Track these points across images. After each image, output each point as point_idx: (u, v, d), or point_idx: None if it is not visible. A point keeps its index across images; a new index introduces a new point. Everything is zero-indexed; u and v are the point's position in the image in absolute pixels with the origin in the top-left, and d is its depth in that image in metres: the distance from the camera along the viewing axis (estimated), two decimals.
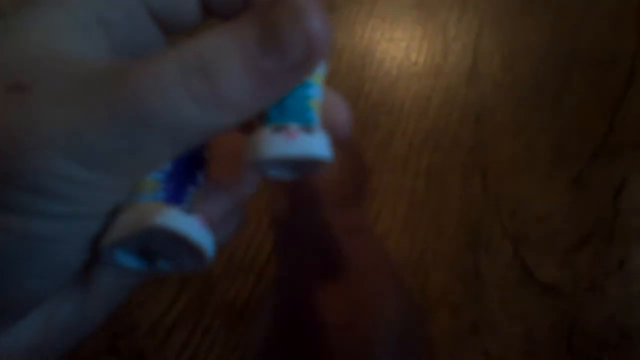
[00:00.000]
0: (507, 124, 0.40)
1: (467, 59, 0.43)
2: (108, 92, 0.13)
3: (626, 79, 0.41)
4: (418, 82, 0.42)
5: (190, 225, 0.14)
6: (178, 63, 0.14)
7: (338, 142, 0.17)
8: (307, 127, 0.15)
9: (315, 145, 0.15)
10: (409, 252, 0.36)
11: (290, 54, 0.14)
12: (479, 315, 0.34)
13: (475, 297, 0.35)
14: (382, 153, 0.40)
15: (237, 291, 0.36)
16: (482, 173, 0.38)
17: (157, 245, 0.15)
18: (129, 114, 0.13)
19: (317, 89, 0.17)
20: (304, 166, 0.16)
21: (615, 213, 0.36)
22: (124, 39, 0.17)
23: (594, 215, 0.36)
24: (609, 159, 0.38)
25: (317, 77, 0.17)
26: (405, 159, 0.40)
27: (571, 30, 0.43)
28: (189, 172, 0.17)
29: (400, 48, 0.44)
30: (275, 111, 0.16)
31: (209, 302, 0.35)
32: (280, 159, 0.15)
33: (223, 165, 0.19)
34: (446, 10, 0.45)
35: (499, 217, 0.37)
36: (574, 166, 0.38)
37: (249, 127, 0.16)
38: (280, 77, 0.14)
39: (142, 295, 0.35)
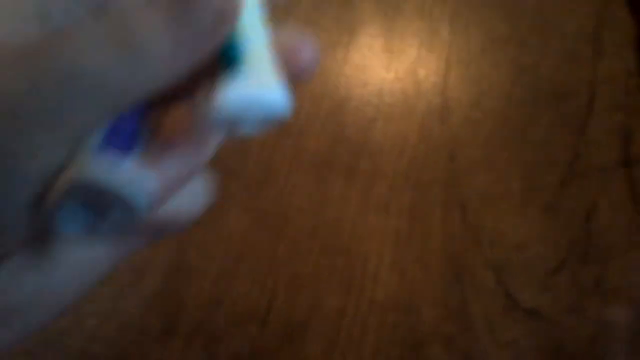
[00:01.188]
0: (479, 159, 0.42)
1: (437, 98, 0.46)
2: (35, 54, 0.14)
3: (587, 105, 0.43)
4: (394, 124, 0.45)
5: (119, 175, 0.14)
6: (99, 21, 0.15)
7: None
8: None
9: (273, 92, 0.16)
10: (399, 291, 0.38)
11: (201, 21, 0.15)
12: (470, 346, 0.36)
13: (466, 328, 0.37)
14: (364, 196, 0.42)
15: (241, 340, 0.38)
16: (461, 207, 0.41)
17: (101, 202, 0.15)
18: (55, 72, 0.14)
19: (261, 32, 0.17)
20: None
21: (588, 235, 0.39)
22: (51, 8, 0.17)
23: (568, 239, 0.39)
24: (577, 185, 0.40)
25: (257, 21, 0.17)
26: (387, 200, 0.42)
27: (532, 65, 0.46)
28: (128, 133, 0.17)
29: (374, 92, 0.47)
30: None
31: (217, 354, 0.37)
32: (240, 106, 0.15)
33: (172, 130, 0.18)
34: (414, 53, 0.48)
35: (479, 248, 0.39)
36: (544, 194, 0.40)
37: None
38: (194, 42, 0.15)
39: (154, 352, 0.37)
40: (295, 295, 0.39)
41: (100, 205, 0.15)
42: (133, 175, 0.15)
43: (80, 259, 0.17)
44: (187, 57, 0.15)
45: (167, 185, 0.17)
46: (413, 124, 0.45)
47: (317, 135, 0.45)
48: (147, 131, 0.17)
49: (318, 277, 0.40)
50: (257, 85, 0.16)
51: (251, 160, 0.45)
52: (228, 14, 0.16)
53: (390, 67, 0.48)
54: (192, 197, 0.19)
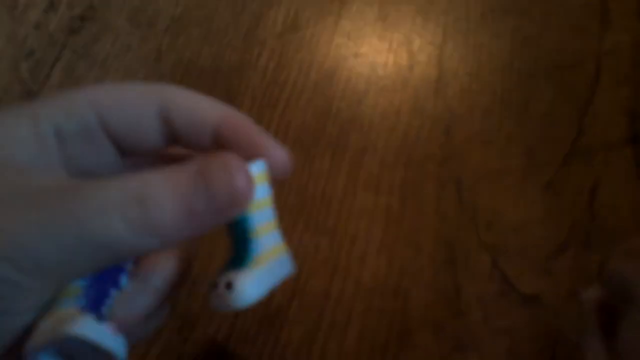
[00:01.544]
0: (477, 133, 0.40)
1: (433, 70, 0.43)
2: (52, 210, 0.15)
3: (592, 79, 0.41)
4: (386, 97, 0.42)
5: (100, 332, 0.16)
6: (120, 191, 0.16)
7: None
8: (230, 283, 0.19)
9: (233, 299, 0.19)
10: (387, 274, 0.36)
11: (217, 199, 0.17)
12: (462, 333, 0.34)
13: (457, 313, 0.34)
14: (354, 172, 0.39)
15: (218, 323, 0.35)
16: (456, 185, 0.38)
17: (75, 350, 0.16)
18: (69, 232, 0.15)
19: (255, 217, 0.20)
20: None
21: (591, 216, 0.36)
22: (78, 152, 0.19)
23: (570, 221, 0.36)
24: (580, 162, 0.38)
25: (264, 201, 0.20)
26: (378, 176, 0.39)
27: (534, 35, 0.43)
28: (112, 277, 0.19)
29: (366, 63, 0.44)
30: (230, 257, 0.20)
31: (190, 338, 0.35)
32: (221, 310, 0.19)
33: (160, 264, 0.21)
34: (409, 21, 0.45)
35: (475, 229, 0.36)
36: (546, 172, 0.38)
37: None
38: (206, 216, 0.17)
39: None
40: None
41: (84, 354, 0.17)
42: (114, 332, 0.17)
43: None
44: (195, 230, 0.17)
45: (133, 320, 0.20)
46: (406, 96, 0.42)
47: (304, 108, 0.42)
48: (130, 265, 0.20)
49: (301, 257, 0.37)
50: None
51: None
52: (243, 196, 0.18)
53: (383, 37, 0.45)
54: (153, 322, 0.22)
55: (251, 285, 0.19)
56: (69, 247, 0.15)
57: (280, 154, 0.21)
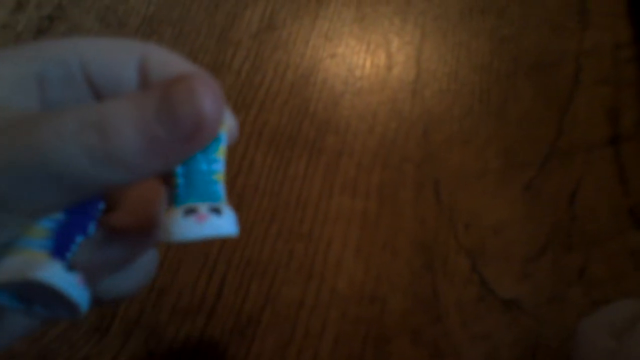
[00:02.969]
0: (455, 134, 0.39)
1: (411, 71, 0.42)
2: (11, 138, 0.15)
3: (572, 79, 0.40)
4: (363, 98, 0.41)
5: (68, 282, 0.16)
6: (77, 118, 0.15)
7: None
8: (216, 207, 0.17)
9: (225, 224, 0.17)
10: (363, 280, 0.35)
11: (181, 126, 0.16)
12: (440, 339, 0.33)
13: (436, 319, 0.33)
14: (330, 175, 0.38)
15: (186, 335, 0.34)
16: (434, 187, 0.37)
17: (35, 294, 0.16)
18: (26, 161, 0.14)
19: (221, 163, 0.18)
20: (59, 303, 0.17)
21: (572, 218, 0.35)
22: (56, 97, 0.18)
23: (550, 222, 0.35)
24: (560, 163, 0.37)
25: (221, 152, 0.18)
26: (355, 179, 0.38)
27: (513, 35, 0.42)
28: (80, 222, 0.18)
29: (343, 64, 0.43)
30: (184, 190, 0.17)
31: (156, 351, 0.33)
32: (193, 240, 0.16)
33: (132, 211, 0.20)
34: (387, 22, 0.44)
35: (453, 232, 0.35)
36: (525, 173, 0.37)
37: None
38: (171, 145, 0.16)
39: (85, 348, 0.33)
40: (248, 284, 0.35)
41: (45, 299, 0.16)
42: (80, 283, 0.16)
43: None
44: (160, 160, 0.16)
45: (95, 270, 0.18)
46: (384, 98, 0.41)
47: (279, 110, 0.41)
48: (100, 213, 0.18)
49: (274, 264, 0.36)
50: (220, 225, 0.17)
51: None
52: (211, 122, 0.16)
53: (361, 37, 0.44)
54: (138, 272, 0.21)
55: (234, 215, 0.18)
56: (29, 177, 0.14)
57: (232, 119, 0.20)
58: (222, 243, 0.36)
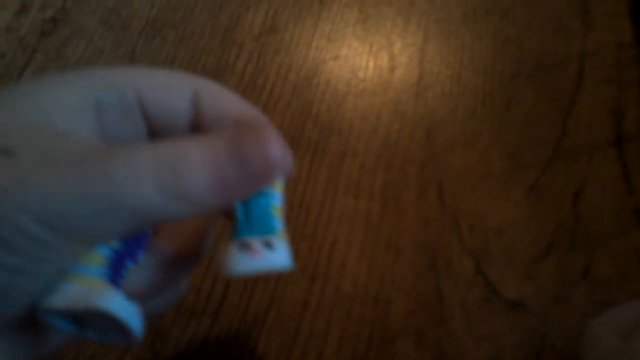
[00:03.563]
0: (459, 136, 0.39)
1: (414, 72, 0.42)
2: (85, 171, 0.15)
3: (576, 80, 0.40)
4: (366, 100, 0.41)
5: (129, 312, 0.16)
6: (152, 156, 0.16)
7: None
8: (270, 242, 0.18)
9: (278, 259, 0.18)
10: (367, 281, 0.35)
11: (250, 168, 0.17)
12: (444, 340, 0.33)
13: (440, 320, 0.33)
14: (333, 177, 0.38)
15: (192, 335, 0.34)
16: (437, 188, 0.37)
17: (93, 320, 0.16)
18: (100, 193, 0.15)
19: (278, 196, 0.19)
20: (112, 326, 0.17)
21: (576, 219, 0.35)
22: (112, 125, 0.19)
23: (554, 223, 0.35)
24: (564, 164, 0.37)
25: (279, 186, 0.19)
26: (358, 181, 0.38)
27: (516, 36, 0.42)
28: (132, 249, 0.19)
29: (346, 65, 0.43)
30: (243, 224, 0.18)
31: (162, 352, 0.33)
32: (248, 274, 0.17)
33: (179, 238, 0.21)
34: (390, 23, 0.44)
35: (457, 233, 0.35)
36: (529, 174, 0.37)
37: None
38: (238, 185, 0.17)
39: (91, 348, 0.33)
40: (253, 284, 0.35)
41: (101, 326, 0.17)
42: (139, 313, 0.17)
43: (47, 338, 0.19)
44: (226, 199, 0.17)
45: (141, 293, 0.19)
46: (387, 99, 0.41)
47: (282, 111, 0.41)
48: (149, 241, 0.20)
49: None
50: (273, 259, 0.18)
51: None
52: (276, 166, 0.17)
53: (364, 39, 0.44)
54: (160, 301, 0.22)
55: (287, 249, 0.18)
56: (99, 208, 0.15)
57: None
58: None
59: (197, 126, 0.21)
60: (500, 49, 0.42)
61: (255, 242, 0.18)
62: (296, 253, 0.36)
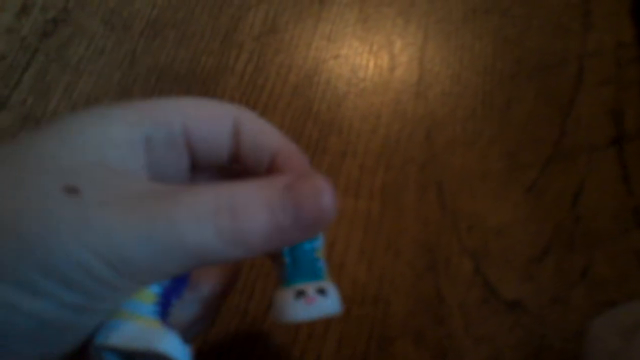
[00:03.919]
0: (458, 136, 0.39)
1: (414, 72, 0.42)
2: (148, 213, 0.16)
3: (575, 80, 0.40)
4: (366, 99, 0.41)
5: (185, 354, 0.17)
6: (213, 199, 0.16)
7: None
8: (322, 288, 0.19)
9: (330, 305, 0.19)
10: (366, 281, 0.35)
11: (304, 218, 0.18)
12: (443, 341, 0.33)
13: (439, 320, 0.33)
14: (333, 176, 0.39)
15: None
16: (437, 188, 0.37)
17: (145, 357, 0.17)
18: (163, 237, 0.16)
19: (321, 240, 0.20)
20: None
21: (575, 219, 0.35)
22: (160, 159, 0.20)
23: (553, 224, 0.35)
24: (564, 164, 0.37)
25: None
26: (358, 180, 0.38)
27: (516, 36, 0.42)
28: (178, 287, 0.19)
29: (346, 65, 0.43)
30: (292, 269, 0.19)
31: None
32: (304, 321, 0.19)
33: (214, 274, 0.22)
34: (390, 23, 0.44)
35: (456, 233, 0.36)
36: (528, 174, 0.37)
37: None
38: (291, 232, 0.18)
39: None
40: (253, 285, 0.35)
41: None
42: (190, 353, 0.17)
43: None
44: (278, 244, 0.18)
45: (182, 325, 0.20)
46: (387, 99, 0.41)
47: (282, 111, 0.41)
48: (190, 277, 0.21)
49: None
50: (327, 305, 0.19)
51: None
52: (328, 217, 0.18)
53: (364, 39, 0.44)
54: (195, 330, 0.22)
55: (337, 294, 0.20)
56: (161, 250, 0.16)
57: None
58: None
59: (235, 156, 0.22)
60: (500, 49, 0.42)
61: (309, 289, 0.19)
62: None
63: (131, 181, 0.17)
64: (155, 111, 0.19)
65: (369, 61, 0.43)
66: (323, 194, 0.18)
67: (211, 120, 0.21)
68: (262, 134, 0.22)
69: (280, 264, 0.20)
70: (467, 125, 0.39)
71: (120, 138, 0.18)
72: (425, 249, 0.35)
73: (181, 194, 0.17)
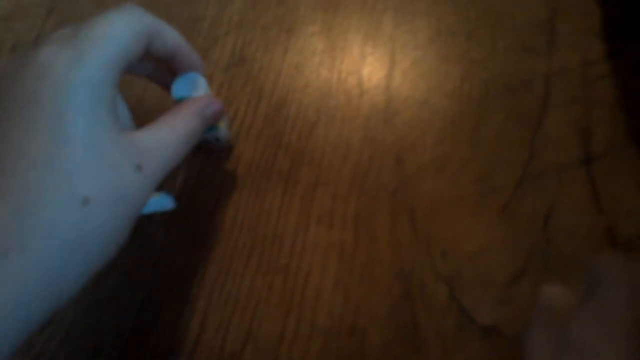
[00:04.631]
0: (428, 161, 0.39)
1: (382, 98, 0.42)
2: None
3: (542, 100, 0.40)
4: (336, 127, 0.41)
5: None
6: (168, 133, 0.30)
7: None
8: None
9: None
10: (343, 312, 0.34)
11: (208, 120, 0.33)
12: None
13: (416, 349, 0.33)
14: (306, 206, 0.38)
15: None
16: (409, 215, 0.37)
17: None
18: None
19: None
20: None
21: (547, 241, 0.35)
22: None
23: (526, 246, 0.35)
24: (533, 185, 0.37)
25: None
26: (331, 210, 0.38)
27: (482, 57, 0.42)
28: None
29: (315, 94, 0.43)
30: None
31: None
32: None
33: None
34: (357, 49, 0.44)
35: (430, 260, 0.35)
36: (500, 197, 0.37)
37: None
38: (202, 126, 0.33)
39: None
40: (229, 320, 0.35)
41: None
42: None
43: None
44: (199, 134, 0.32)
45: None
46: (357, 126, 0.41)
47: (253, 142, 0.41)
48: None
49: (254, 298, 0.36)
50: None
51: (180, 171, 0.40)
52: (220, 113, 0.35)
53: (332, 67, 0.44)
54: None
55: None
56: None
57: (200, 63, 0.35)
58: (200, 281, 0.36)
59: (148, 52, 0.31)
60: (467, 71, 0.42)
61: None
62: (271, 286, 0.36)
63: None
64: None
65: (338, 89, 0.43)
66: (214, 104, 0.34)
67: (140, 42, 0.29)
68: (167, 36, 0.31)
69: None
70: (436, 149, 0.39)
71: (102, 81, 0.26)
72: (400, 277, 0.35)
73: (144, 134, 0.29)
